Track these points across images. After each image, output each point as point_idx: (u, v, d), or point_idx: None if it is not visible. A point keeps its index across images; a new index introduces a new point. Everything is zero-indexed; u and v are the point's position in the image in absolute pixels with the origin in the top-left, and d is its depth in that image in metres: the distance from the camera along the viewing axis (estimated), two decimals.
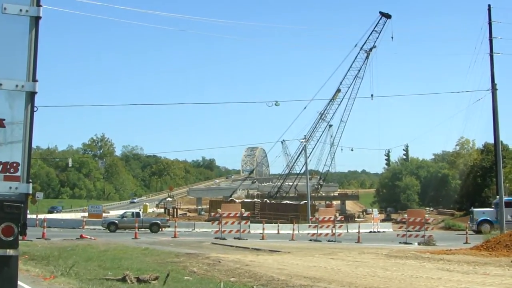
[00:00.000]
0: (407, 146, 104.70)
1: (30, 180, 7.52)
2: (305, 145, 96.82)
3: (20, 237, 7.60)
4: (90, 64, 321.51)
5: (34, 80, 7.40)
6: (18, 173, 7.43)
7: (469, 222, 63.82)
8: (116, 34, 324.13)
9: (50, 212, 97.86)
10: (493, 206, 61.67)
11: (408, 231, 40.78)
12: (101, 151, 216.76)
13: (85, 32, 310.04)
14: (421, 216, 42.29)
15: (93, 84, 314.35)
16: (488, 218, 58.26)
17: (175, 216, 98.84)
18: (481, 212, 60.49)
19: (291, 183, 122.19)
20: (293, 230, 49.30)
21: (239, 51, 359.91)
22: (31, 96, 7.41)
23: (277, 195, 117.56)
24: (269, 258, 23.59)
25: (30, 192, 7.52)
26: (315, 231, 45.12)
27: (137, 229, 45.13)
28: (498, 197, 63.84)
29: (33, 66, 7.40)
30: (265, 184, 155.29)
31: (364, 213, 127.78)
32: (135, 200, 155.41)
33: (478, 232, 55.71)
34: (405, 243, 38.72)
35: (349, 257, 24.14)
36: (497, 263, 21.20)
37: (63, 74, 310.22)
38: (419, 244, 37.96)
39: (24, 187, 7.46)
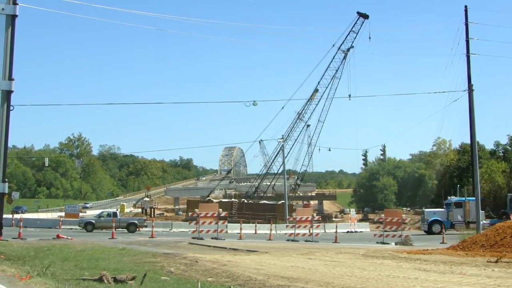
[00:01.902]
0: (384, 146, 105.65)
1: (6, 180, 7.45)
2: (282, 145, 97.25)
3: None
4: (67, 63, 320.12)
5: (10, 78, 7.32)
6: None
7: (420, 222, 64.37)
8: (94, 33, 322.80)
9: (14, 212, 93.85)
10: (444, 207, 62.14)
11: (385, 231, 40.96)
12: (78, 150, 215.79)
13: (62, 31, 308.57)
14: (398, 216, 42.47)
15: (70, 83, 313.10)
16: (439, 219, 58.55)
17: (152, 216, 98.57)
18: (432, 213, 60.82)
19: (268, 183, 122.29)
20: (271, 230, 49.30)
21: (217, 51, 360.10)
22: (7, 95, 7.35)
23: (255, 195, 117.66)
24: (246, 258, 23.58)
25: (6, 192, 7.45)
26: (292, 231, 45.21)
27: (114, 229, 44.88)
28: (449, 197, 64.42)
29: (9, 65, 7.32)
30: (243, 184, 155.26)
31: (342, 213, 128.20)
32: (88, 205, 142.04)
33: (429, 232, 56.07)
34: (382, 243, 38.89)
35: (327, 257, 24.18)
36: (473, 263, 21.33)
37: (40, 73, 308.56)
38: (396, 244, 38.14)
39: None
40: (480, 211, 58.69)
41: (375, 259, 23.29)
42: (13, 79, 7.32)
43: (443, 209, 61.28)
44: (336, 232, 45.67)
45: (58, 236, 39.36)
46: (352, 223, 70.38)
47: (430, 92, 62.62)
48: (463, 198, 59.99)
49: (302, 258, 23.56)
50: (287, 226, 51.64)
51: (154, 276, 15.68)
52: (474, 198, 61.92)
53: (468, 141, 58.03)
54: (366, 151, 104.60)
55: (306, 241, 41.84)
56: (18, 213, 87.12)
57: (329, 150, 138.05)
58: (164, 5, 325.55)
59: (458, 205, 58.77)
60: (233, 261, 21.39)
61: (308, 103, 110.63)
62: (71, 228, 57.73)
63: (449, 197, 64.90)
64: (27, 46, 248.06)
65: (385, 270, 18.59)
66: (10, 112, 7.37)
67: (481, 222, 55.49)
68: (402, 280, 15.88)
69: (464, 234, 38.54)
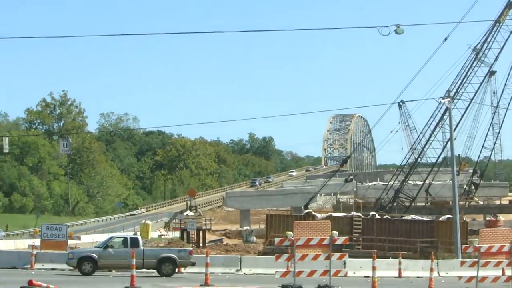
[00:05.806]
0: None
1: None
2: (448, 108, 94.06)
3: None
4: None
5: None
6: None
7: None
8: None
9: None
10: None
11: None
12: (62, 123, 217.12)
13: None
14: None
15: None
16: None
17: (202, 244, 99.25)
18: None
19: (418, 182, 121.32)
20: (431, 270, 48.74)
21: None
22: None
23: (394, 204, 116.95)
24: None
25: None
26: (472, 273, 44.39)
27: (134, 270, 44.79)
28: None
29: None
30: (370, 184, 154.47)
31: None
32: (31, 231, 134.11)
33: None
34: None
35: None
36: None
37: None
38: None
39: None
40: None
41: None
42: None
43: None
44: None
45: (30, 284, 39.56)
46: None
47: None
48: None
49: None
50: (462, 263, 50.93)
51: None
52: None
53: None
54: None
55: None
56: None
57: None
58: None
59: None
60: None
61: (495, 30, 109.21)
62: (54, 269, 58.25)
63: None
64: None
65: None
66: None
67: None
68: None
69: None
